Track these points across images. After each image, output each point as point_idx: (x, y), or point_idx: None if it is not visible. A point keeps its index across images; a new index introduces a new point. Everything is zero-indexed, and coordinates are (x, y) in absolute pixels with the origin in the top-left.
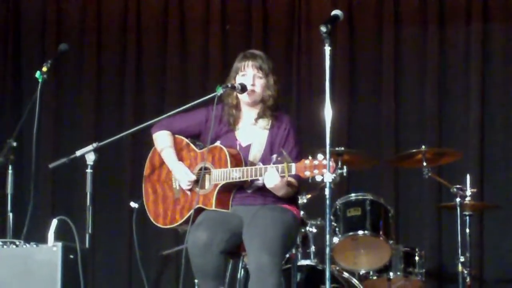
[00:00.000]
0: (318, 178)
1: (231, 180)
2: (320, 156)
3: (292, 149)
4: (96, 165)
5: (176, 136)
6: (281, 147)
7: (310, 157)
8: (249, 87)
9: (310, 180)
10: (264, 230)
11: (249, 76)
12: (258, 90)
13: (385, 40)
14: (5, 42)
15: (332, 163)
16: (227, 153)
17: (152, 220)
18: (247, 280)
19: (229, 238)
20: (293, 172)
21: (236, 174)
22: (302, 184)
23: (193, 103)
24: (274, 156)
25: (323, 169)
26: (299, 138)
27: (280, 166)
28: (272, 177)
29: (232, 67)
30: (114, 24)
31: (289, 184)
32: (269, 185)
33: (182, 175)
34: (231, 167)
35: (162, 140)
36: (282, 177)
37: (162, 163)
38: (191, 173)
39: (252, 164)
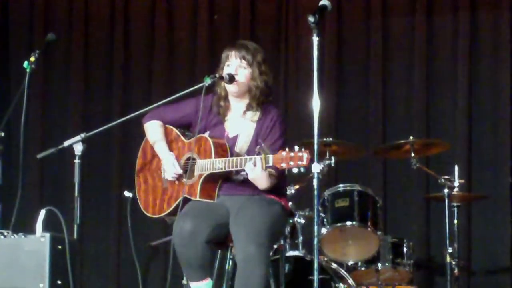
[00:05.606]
0: (294, 170)
1: (214, 171)
2: (296, 148)
3: (276, 140)
4: (84, 155)
5: (167, 126)
6: (259, 138)
7: (287, 149)
8: None
9: (286, 172)
10: (251, 220)
11: (232, 66)
12: (241, 80)
13: (373, 30)
14: None
15: (307, 154)
16: (211, 144)
17: (142, 209)
18: (236, 271)
19: (214, 228)
20: (270, 164)
21: (219, 164)
22: (285, 175)
23: (181, 93)
24: (257, 148)
25: (298, 161)
26: (285, 131)
27: (258, 157)
28: (254, 168)
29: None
30: (101, 14)
31: (269, 174)
32: (251, 175)
33: (169, 167)
34: (215, 157)
35: (154, 130)
36: None
37: (153, 153)
38: (179, 166)
39: (238, 155)
